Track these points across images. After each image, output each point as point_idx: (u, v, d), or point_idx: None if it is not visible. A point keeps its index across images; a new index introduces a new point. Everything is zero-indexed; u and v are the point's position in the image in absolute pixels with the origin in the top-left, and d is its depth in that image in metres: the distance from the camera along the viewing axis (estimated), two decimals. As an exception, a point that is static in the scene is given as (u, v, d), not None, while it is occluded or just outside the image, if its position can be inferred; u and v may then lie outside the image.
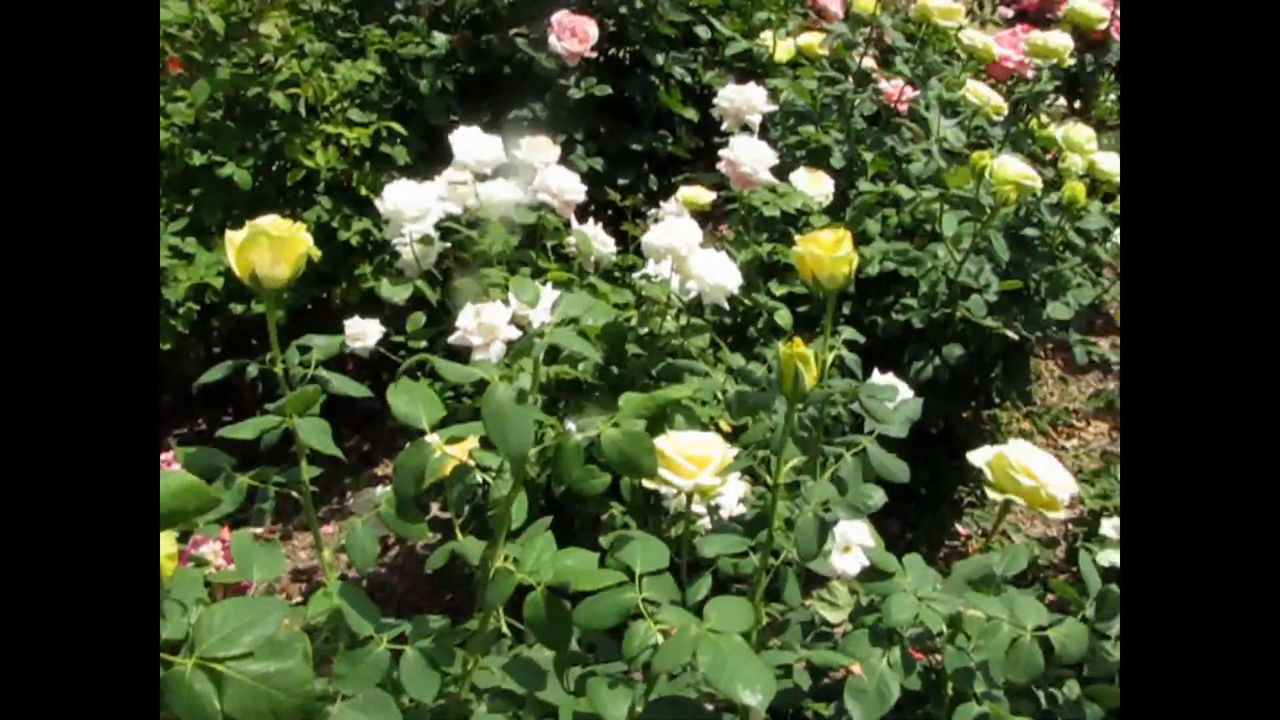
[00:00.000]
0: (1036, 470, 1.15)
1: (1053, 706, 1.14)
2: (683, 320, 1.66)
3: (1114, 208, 2.06)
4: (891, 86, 2.25)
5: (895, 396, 1.12)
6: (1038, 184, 1.73)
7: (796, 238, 1.10)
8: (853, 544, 1.22)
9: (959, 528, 2.28)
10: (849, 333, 1.20)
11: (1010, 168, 1.69)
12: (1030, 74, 2.42)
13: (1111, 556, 1.08)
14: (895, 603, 0.97)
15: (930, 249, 1.89)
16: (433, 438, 0.89)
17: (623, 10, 2.41)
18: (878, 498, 0.93)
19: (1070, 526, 2.14)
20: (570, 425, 1.58)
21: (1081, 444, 2.58)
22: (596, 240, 1.78)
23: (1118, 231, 1.82)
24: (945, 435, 2.20)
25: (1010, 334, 1.89)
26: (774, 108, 2.01)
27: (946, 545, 2.26)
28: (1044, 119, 2.36)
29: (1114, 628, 1.13)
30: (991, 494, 1.16)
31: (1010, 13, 3.14)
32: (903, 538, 2.22)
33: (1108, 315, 2.53)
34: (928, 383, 1.96)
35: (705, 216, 2.00)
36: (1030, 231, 1.94)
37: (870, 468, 1.08)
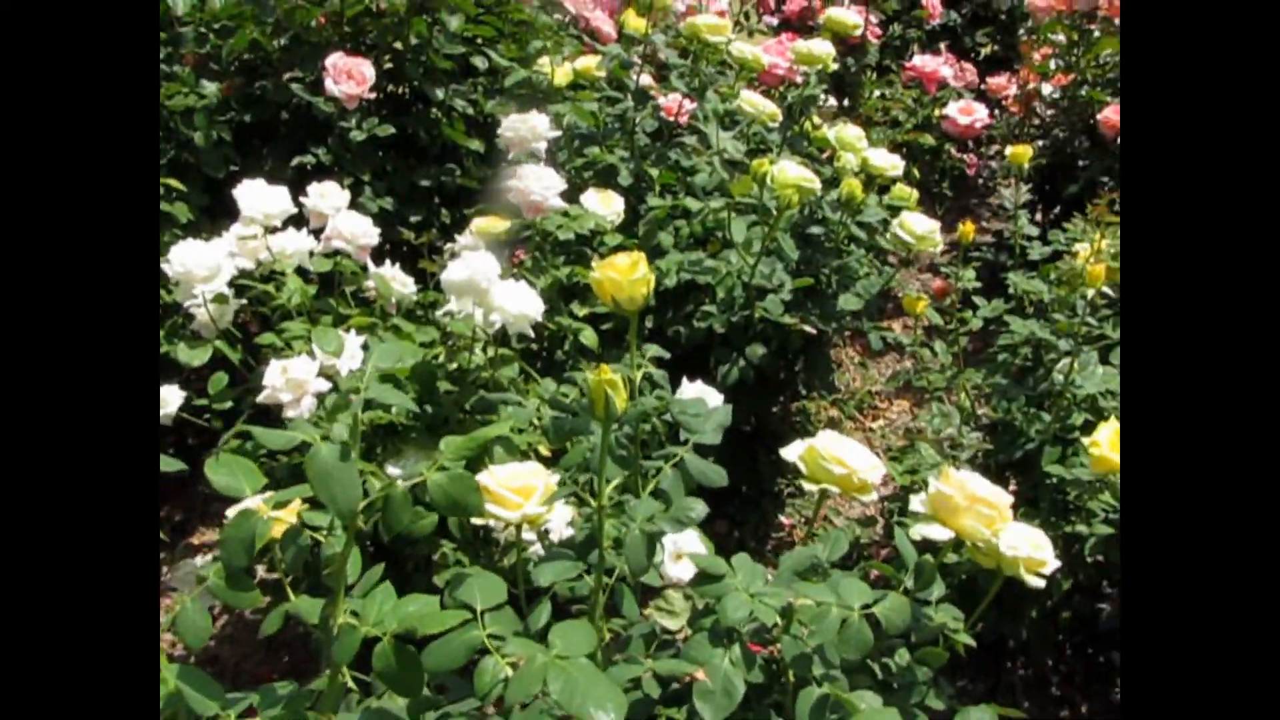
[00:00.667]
0: (846, 458, 1.21)
1: (887, 675, 1.21)
2: (490, 352, 1.67)
3: (890, 198, 2.18)
4: (670, 101, 2.32)
5: (705, 406, 1.16)
6: (816, 185, 1.82)
7: (594, 263, 1.13)
8: (684, 551, 1.26)
9: (782, 519, 2.36)
10: (654, 350, 1.23)
11: (789, 172, 1.77)
12: (799, 79, 2.53)
13: (923, 529, 1.14)
14: (729, 602, 1.01)
15: (724, 255, 1.96)
16: (256, 501, 0.88)
17: (397, 46, 2.40)
18: (699, 509, 0.97)
19: (885, 504, 2.24)
20: (391, 470, 1.57)
21: (887, 423, 2.70)
22: (396, 281, 1.77)
23: (895, 220, 1.92)
24: (759, 431, 2.28)
25: (808, 329, 1.98)
26: (557, 133, 2.05)
27: (773, 537, 2.34)
28: (817, 120, 2.48)
29: (933, 594, 1.21)
30: (807, 485, 1.22)
31: (775, 21, 3.27)
32: (731, 536, 2.29)
33: (896, 299, 2.66)
34: (736, 384, 2.02)
35: (501, 245, 2.02)
36: (815, 229, 2.03)
37: (690, 477, 1.11)
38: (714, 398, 1.54)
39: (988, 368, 1.90)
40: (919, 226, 1.88)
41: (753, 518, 2.32)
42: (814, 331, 1.98)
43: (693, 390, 1.55)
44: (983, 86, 3.09)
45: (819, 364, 2.18)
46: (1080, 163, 2.68)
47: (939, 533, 1.13)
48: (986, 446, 1.80)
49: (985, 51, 3.55)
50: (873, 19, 2.86)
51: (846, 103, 3.19)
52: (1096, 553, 1.65)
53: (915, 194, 2.21)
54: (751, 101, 2.09)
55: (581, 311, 1.91)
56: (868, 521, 2.28)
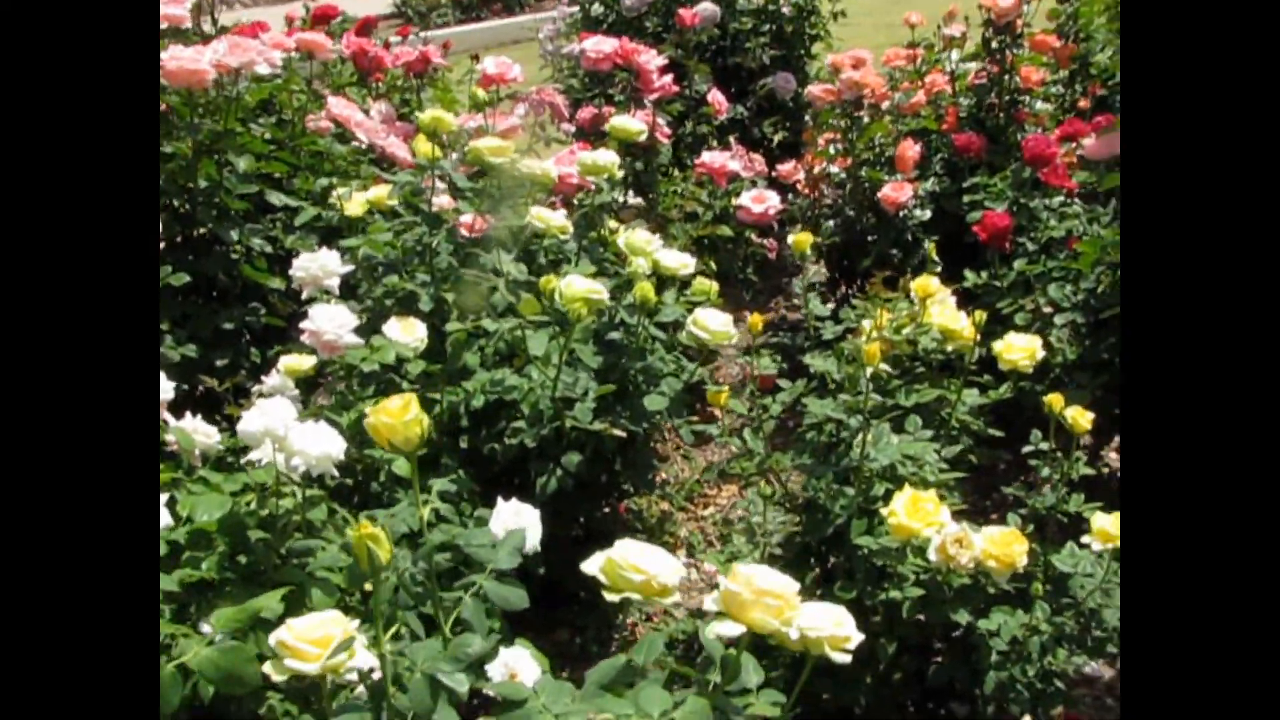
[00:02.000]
0: (644, 564, 1.25)
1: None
2: (299, 495, 1.66)
3: (692, 293, 2.26)
4: (468, 219, 2.36)
5: (493, 536, 1.19)
6: (604, 295, 1.88)
7: (368, 410, 1.14)
8: (518, 670, 1.27)
9: (625, 618, 2.38)
10: (440, 484, 1.26)
11: (576, 286, 1.83)
12: (592, 187, 2.62)
13: (717, 628, 1.18)
14: (531, 729, 1.02)
15: (528, 370, 2.00)
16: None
17: (190, 187, 2.39)
18: (477, 646, 0.98)
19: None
20: (205, 628, 1.54)
21: (718, 509, 2.76)
22: (198, 433, 1.75)
23: (690, 319, 1.99)
24: (591, 534, 2.30)
25: (618, 432, 2.02)
26: (350, 268, 2.06)
27: (616, 638, 2.35)
28: (614, 225, 2.55)
29: (752, 682, 1.25)
30: (609, 596, 1.25)
31: (572, 128, 3.37)
32: (573, 643, 2.29)
33: (702, 393, 2.73)
34: (556, 493, 2.05)
35: (311, 382, 2.01)
36: (615, 335, 2.08)
37: (492, 603, 1.13)
38: (528, 515, 1.57)
39: (795, 449, 1.97)
40: (712, 323, 1.95)
41: (594, 621, 2.33)
42: (624, 434, 2.02)
43: (508, 510, 1.58)
44: (774, 174, 3.23)
45: (638, 463, 2.22)
46: (869, 238, 2.82)
47: (731, 629, 1.17)
48: (795, 529, 1.86)
49: (778, 139, 3.72)
50: (661, 121, 2.98)
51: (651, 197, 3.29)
52: (914, 614, 1.72)
53: (715, 286, 2.30)
54: (540, 216, 2.14)
55: (393, 441, 1.92)
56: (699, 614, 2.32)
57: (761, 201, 2.85)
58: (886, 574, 1.74)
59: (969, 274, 2.60)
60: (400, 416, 1.10)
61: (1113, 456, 2.92)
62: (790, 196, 3.19)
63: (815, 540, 1.85)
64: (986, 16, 2.95)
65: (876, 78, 2.86)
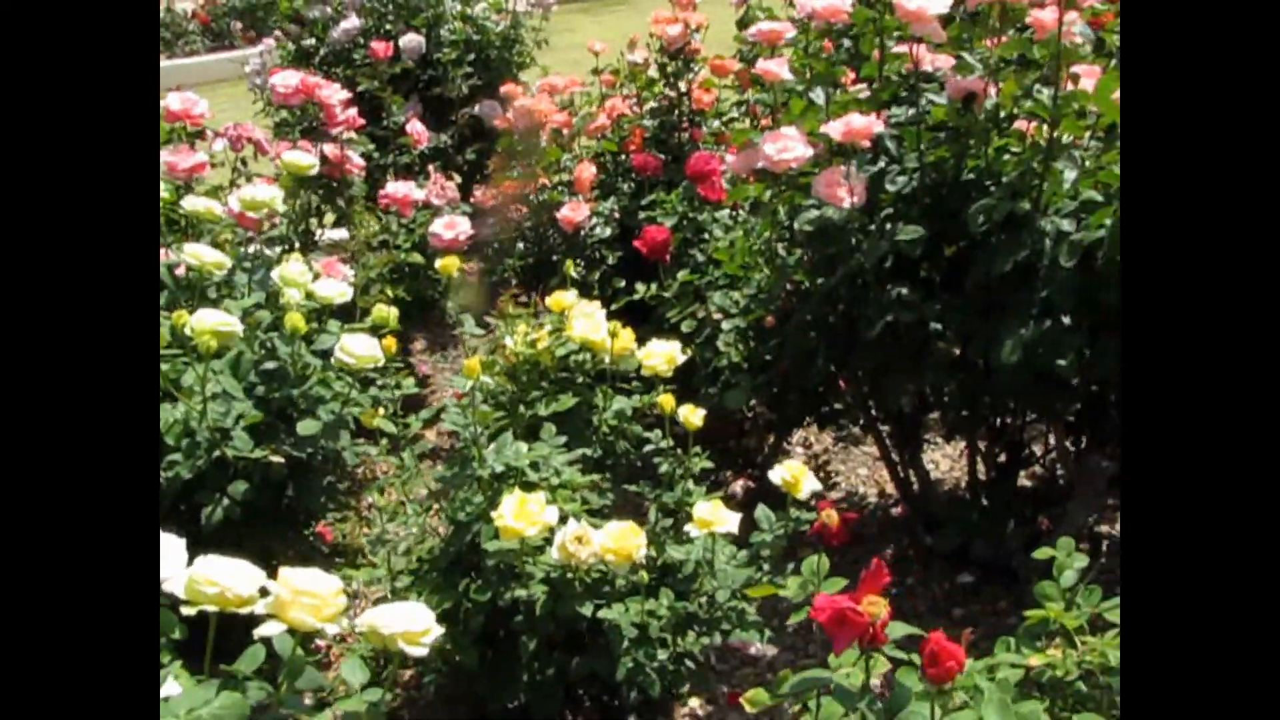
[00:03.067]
0: (219, 578, 1.31)
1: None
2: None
3: (373, 320, 2.32)
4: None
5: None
6: (235, 327, 1.93)
7: None
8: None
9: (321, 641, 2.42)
10: None
11: (206, 320, 1.87)
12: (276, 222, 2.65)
13: (264, 629, 1.26)
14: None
15: (176, 405, 2.03)
16: None
17: None
18: None
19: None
20: None
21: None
22: None
23: (338, 345, 2.05)
24: (283, 562, 2.32)
25: (276, 459, 2.07)
26: None
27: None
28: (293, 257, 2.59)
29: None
30: (186, 610, 1.30)
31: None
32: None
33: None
34: (226, 522, 2.09)
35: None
36: (271, 364, 2.13)
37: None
38: (171, 544, 1.60)
39: (446, 463, 2.06)
40: (357, 348, 2.03)
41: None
42: (281, 460, 2.07)
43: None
44: (473, 200, 3.33)
45: (312, 488, 2.27)
46: (554, 257, 2.95)
47: (275, 628, 1.25)
48: (434, 539, 1.95)
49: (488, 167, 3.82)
50: (353, 154, 3.03)
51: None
52: (547, 610, 1.82)
53: (394, 312, 2.37)
54: (195, 254, 2.17)
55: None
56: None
57: (452, 228, 2.94)
58: (516, 574, 1.84)
59: (639, 286, 2.75)
60: None
61: (794, 448, 3.12)
62: (490, 221, 3.29)
63: (457, 548, 1.93)
64: (660, 44, 3.13)
65: (550, 104, 2.99)
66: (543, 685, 1.99)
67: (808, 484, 1.78)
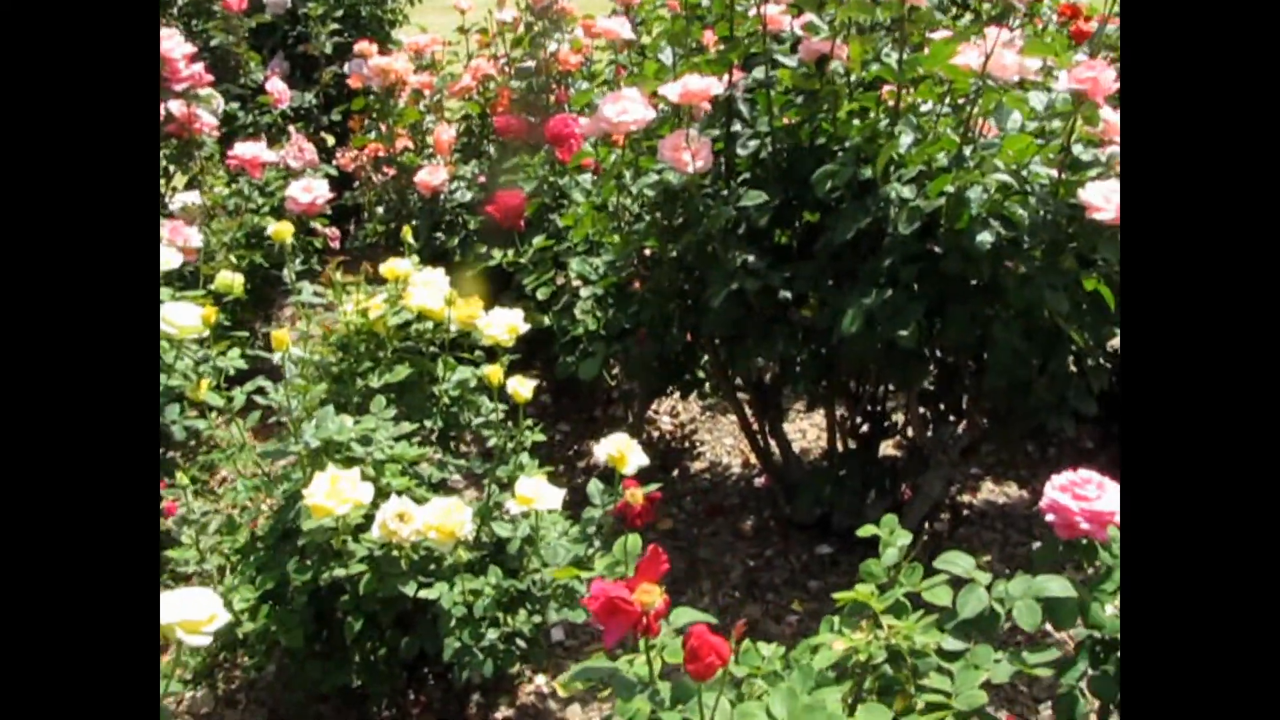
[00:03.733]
0: None
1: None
2: None
3: (216, 287, 2.22)
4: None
5: None
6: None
7: None
8: None
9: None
10: None
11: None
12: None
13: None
14: None
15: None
16: None
17: None
18: None
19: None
20: None
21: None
22: None
23: (162, 314, 1.96)
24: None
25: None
26: None
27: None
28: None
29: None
30: None
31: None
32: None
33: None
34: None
35: None
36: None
37: None
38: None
39: (275, 437, 1.98)
40: (178, 318, 1.93)
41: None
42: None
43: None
44: (335, 162, 3.21)
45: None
46: (414, 222, 2.86)
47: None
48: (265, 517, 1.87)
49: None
50: (202, 112, 2.90)
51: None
52: (371, 589, 1.76)
53: (239, 279, 2.27)
54: None
55: None
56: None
57: (309, 191, 2.83)
58: (337, 553, 1.77)
59: (495, 252, 2.68)
60: None
61: (661, 417, 3.08)
62: (355, 184, 3.19)
63: (282, 526, 1.86)
64: (526, 2, 3.04)
65: (406, 64, 2.89)
66: (375, 666, 1.92)
67: (634, 459, 1.73)
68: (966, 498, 2.70)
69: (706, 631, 1.00)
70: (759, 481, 2.75)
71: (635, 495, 1.35)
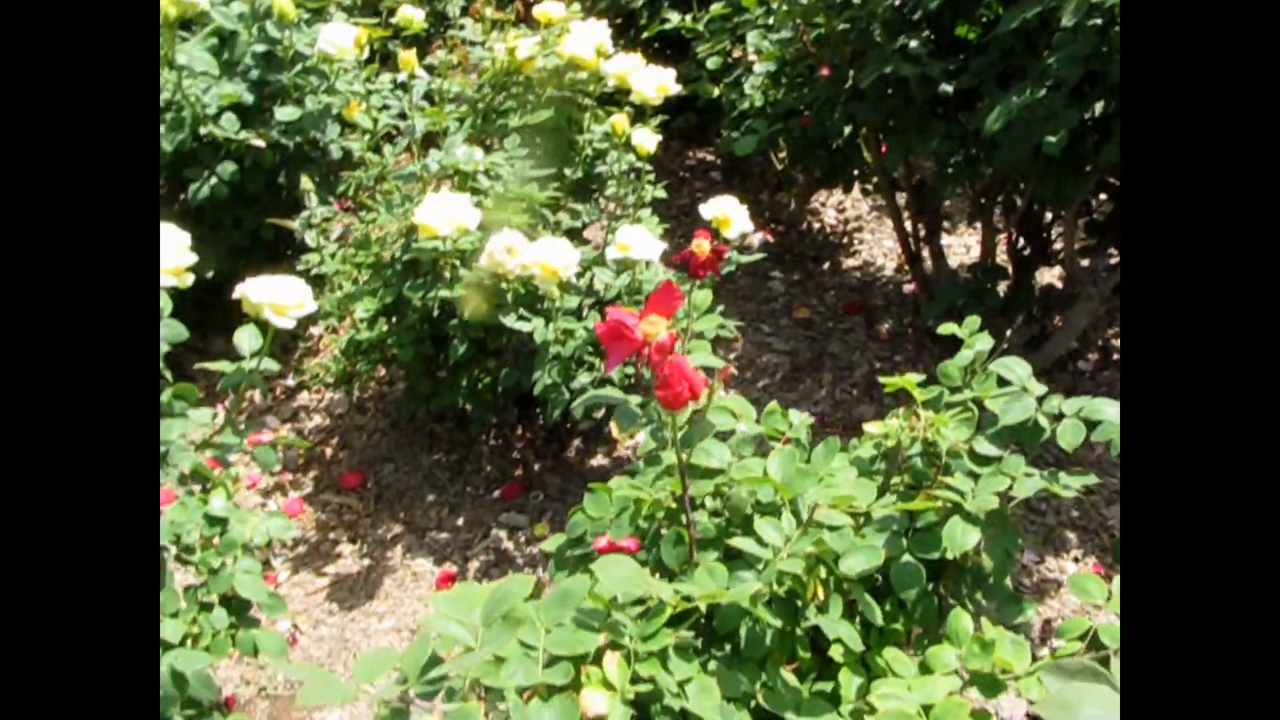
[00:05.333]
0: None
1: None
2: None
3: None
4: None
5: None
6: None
7: None
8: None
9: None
10: None
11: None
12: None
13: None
14: None
15: (165, 77, 2.06)
16: None
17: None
18: None
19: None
20: None
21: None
22: None
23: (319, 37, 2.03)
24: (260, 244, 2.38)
25: (257, 142, 2.10)
26: None
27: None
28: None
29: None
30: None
31: None
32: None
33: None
34: (213, 201, 2.16)
35: None
36: (260, 47, 2.14)
37: None
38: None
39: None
40: (336, 38, 2.01)
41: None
42: (263, 144, 2.11)
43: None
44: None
45: (299, 171, 2.30)
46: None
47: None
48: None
49: None
50: None
51: None
52: (477, 317, 1.84)
53: (419, 16, 2.33)
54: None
55: None
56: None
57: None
58: (446, 276, 1.85)
59: (674, 15, 2.63)
60: None
61: (826, 210, 3.02)
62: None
63: (405, 248, 1.95)
64: None
65: None
66: (480, 393, 2.04)
67: (738, 223, 1.71)
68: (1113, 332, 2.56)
69: (684, 361, 1.01)
70: (908, 288, 2.68)
71: (701, 245, 1.35)
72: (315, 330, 2.54)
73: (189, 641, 1.24)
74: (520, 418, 2.24)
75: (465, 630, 0.91)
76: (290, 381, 2.44)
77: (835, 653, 1.19)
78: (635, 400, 1.30)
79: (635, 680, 0.93)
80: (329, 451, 2.25)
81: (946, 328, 1.51)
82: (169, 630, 1.22)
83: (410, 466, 2.20)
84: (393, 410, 2.32)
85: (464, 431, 2.22)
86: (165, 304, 1.46)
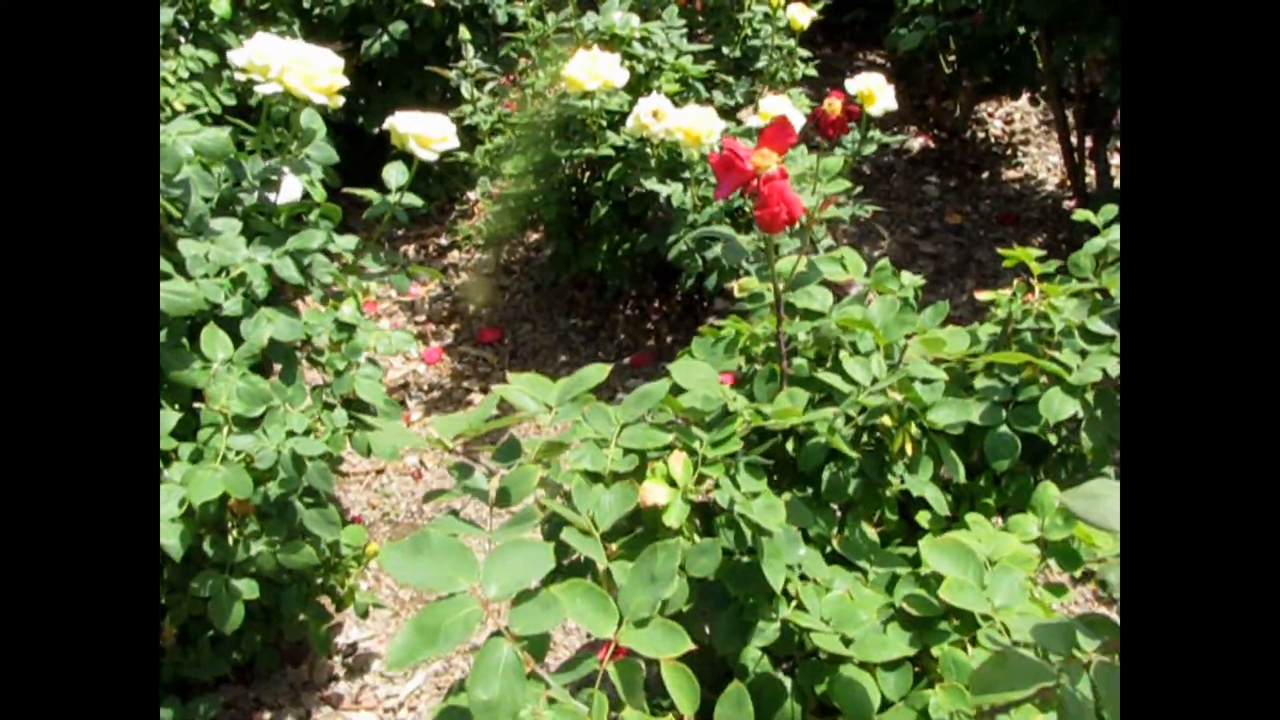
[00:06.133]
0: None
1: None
2: None
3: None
4: None
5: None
6: None
7: None
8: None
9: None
10: None
11: None
12: None
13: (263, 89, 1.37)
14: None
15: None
16: None
17: None
18: None
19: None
20: None
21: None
22: None
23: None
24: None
25: (429, 1, 2.18)
26: None
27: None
28: None
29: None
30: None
31: None
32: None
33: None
34: (378, 56, 2.25)
35: None
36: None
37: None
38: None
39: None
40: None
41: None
42: (431, 3, 2.18)
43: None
44: None
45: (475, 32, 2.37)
46: None
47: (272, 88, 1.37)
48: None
49: None
50: None
51: None
52: (619, 178, 1.89)
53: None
54: None
55: None
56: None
57: None
58: (592, 136, 1.90)
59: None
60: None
61: (994, 121, 2.93)
62: None
63: (556, 110, 2.01)
64: None
65: None
66: (619, 258, 2.09)
67: (882, 99, 1.70)
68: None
69: (785, 185, 1.03)
70: (1068, 203, 2.60)
71: (833, 105, 1.36)
72: (472, 195, 2.63)
73: (311, 435, 1.34)
74: (658, 291, 2.29)
75: (536, 404, 0.97)
76: (443, 240, 2.55)
77: (922, 518, 1.21)
78: (746, 238, 1.33)
79: (700, 482, 0.97)
80: (471, 308, 2.35)
81: (1081, 214, 1.48)
82: (294, 421, 1.32)
83: (547, 328, 2.28)
84: (537, 274, 2.40)
85: (602, 299, 2.29)
86: (329, 147, 1.56)
